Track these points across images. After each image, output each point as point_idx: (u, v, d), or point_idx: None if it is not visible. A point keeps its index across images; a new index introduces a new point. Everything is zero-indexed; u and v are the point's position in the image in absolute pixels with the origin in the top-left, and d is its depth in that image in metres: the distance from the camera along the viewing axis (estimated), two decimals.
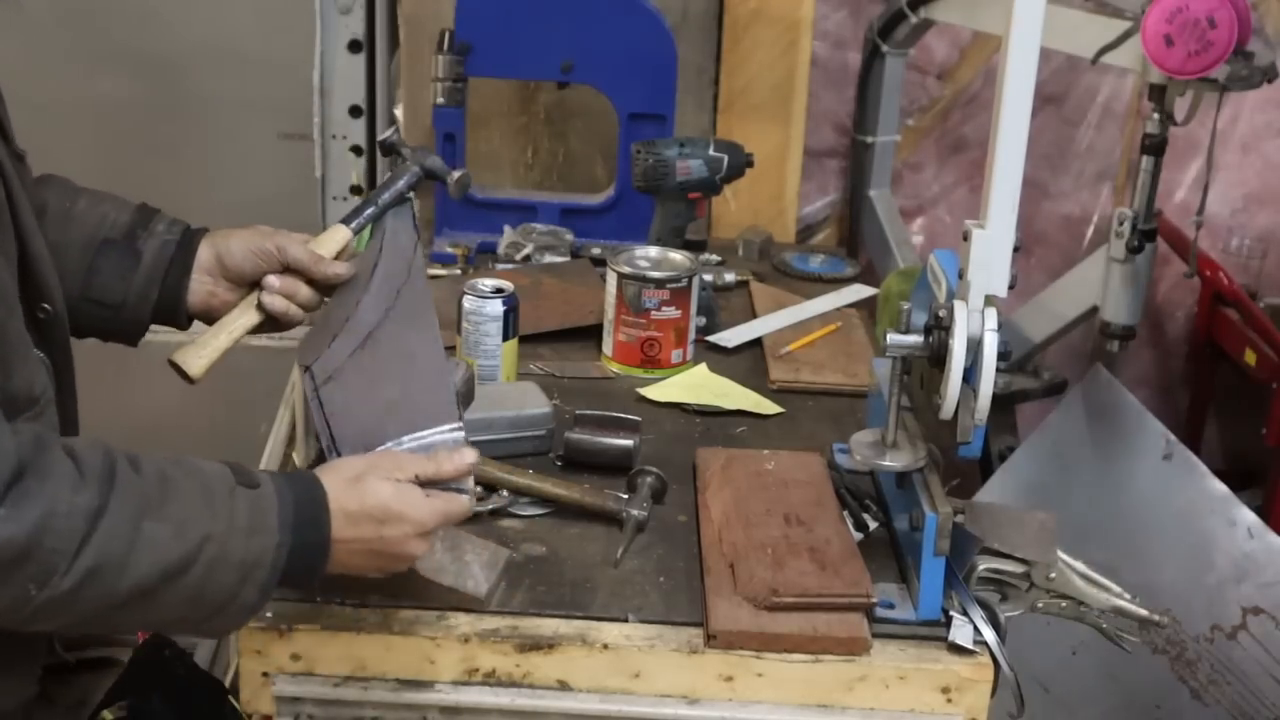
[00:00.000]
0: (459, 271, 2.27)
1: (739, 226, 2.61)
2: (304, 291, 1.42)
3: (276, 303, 1.40)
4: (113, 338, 1.43)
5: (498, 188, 2.59)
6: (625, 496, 1.51)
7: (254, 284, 1.42)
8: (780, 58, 2.62)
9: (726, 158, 2.07)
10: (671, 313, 1.89)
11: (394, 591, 1.33)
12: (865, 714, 1.31)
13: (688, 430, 1.76)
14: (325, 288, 1.43)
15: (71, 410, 1.33)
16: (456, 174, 1.54)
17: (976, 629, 1.33)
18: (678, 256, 1.95)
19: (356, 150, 2.71)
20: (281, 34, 2.65)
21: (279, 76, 2.66)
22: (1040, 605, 1.39)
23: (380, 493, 1.17)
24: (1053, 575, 1.37)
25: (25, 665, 1.29)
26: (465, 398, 1.36)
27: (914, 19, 2.41)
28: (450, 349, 1.81)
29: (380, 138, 1.54)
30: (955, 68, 2.76)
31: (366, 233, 1.49)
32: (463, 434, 1.29)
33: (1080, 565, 1.39)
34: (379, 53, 2.68)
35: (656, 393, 1.84)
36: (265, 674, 1.30)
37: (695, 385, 1.87)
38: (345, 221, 1.46)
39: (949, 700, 1.30)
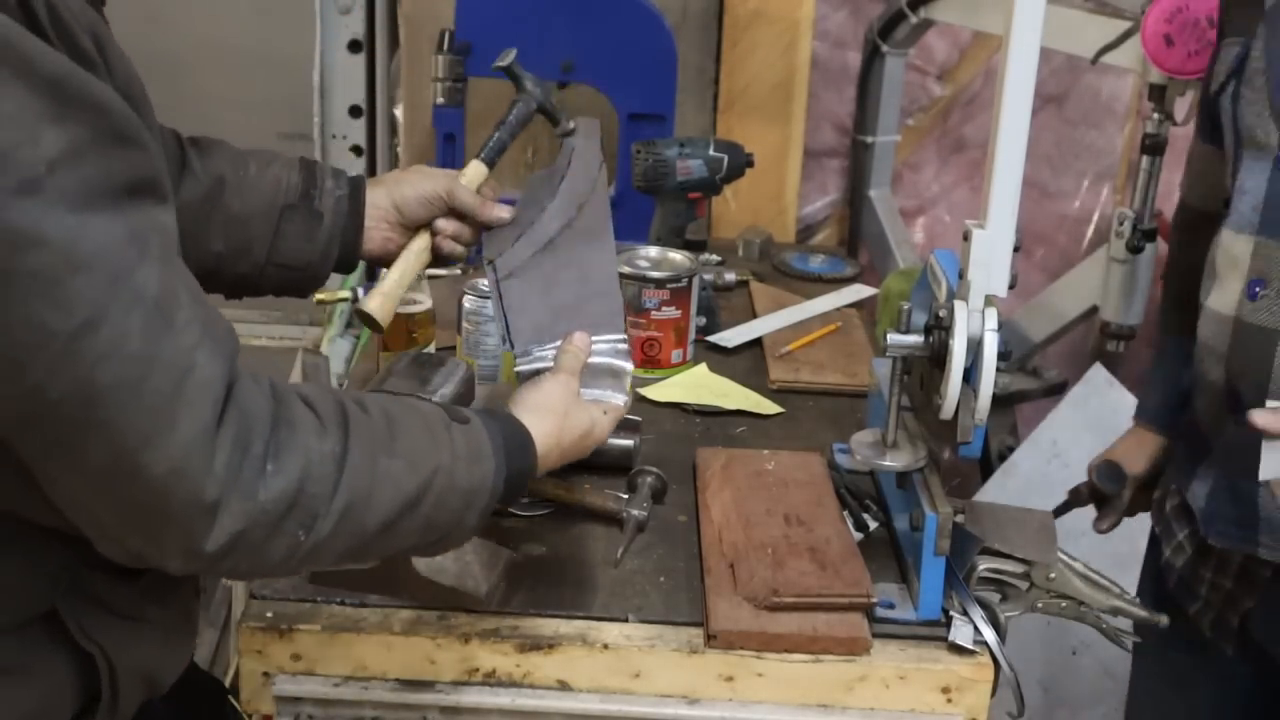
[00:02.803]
0: (459, 271, 2.27)
1: (739, 226, 2.61)
2: (468, 233, 1.50)
3: (445, 245, 1.49)
4: (290, 294, 1.49)
5: (498, 188, 2.59)
6: (625, 496, 1.51)
7: (423, 225, 1.49)
8: (780, 58, 2.62)
9: (726, 158, 2.07)
10: (671, 313, 1.89)
11: (394, 591, 1.33)
12: (865, 714, 1.31)
13: (688, 430, 1.76)
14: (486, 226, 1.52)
15: None
16: (570, 124, 1.58)
17: (976, 629, 1.33)
18: (678, 256, 1.95)
19: (356, 150, 2.71)
20: (281, 34, 2.65)
21: (279, 76, 2.66)
22: (1040, 605, 1.39)
23: (580, 423, 1.28)
24: (1053, 575, 1.37)
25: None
26: (465, 398, 1.36)
27: (914, 19, 2.41)
28: (450, 349, 1.81)
29: (503, 63, 1.57)
30: (955, 68, 2.76)
31: None
32: (627, 345, 1.40)
33: (1080, 565, 1.39)
34: (379, 53, 2.68)
35: (656, 393, 1.84)
36: (265, 674, 1.30)
37: (695, 385, 1.87)
38: (481, 158, 1.53)
39: (949, 700, 1.30)
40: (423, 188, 1.48)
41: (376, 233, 1.47)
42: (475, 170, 1.51)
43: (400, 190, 1.48)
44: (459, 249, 1.50)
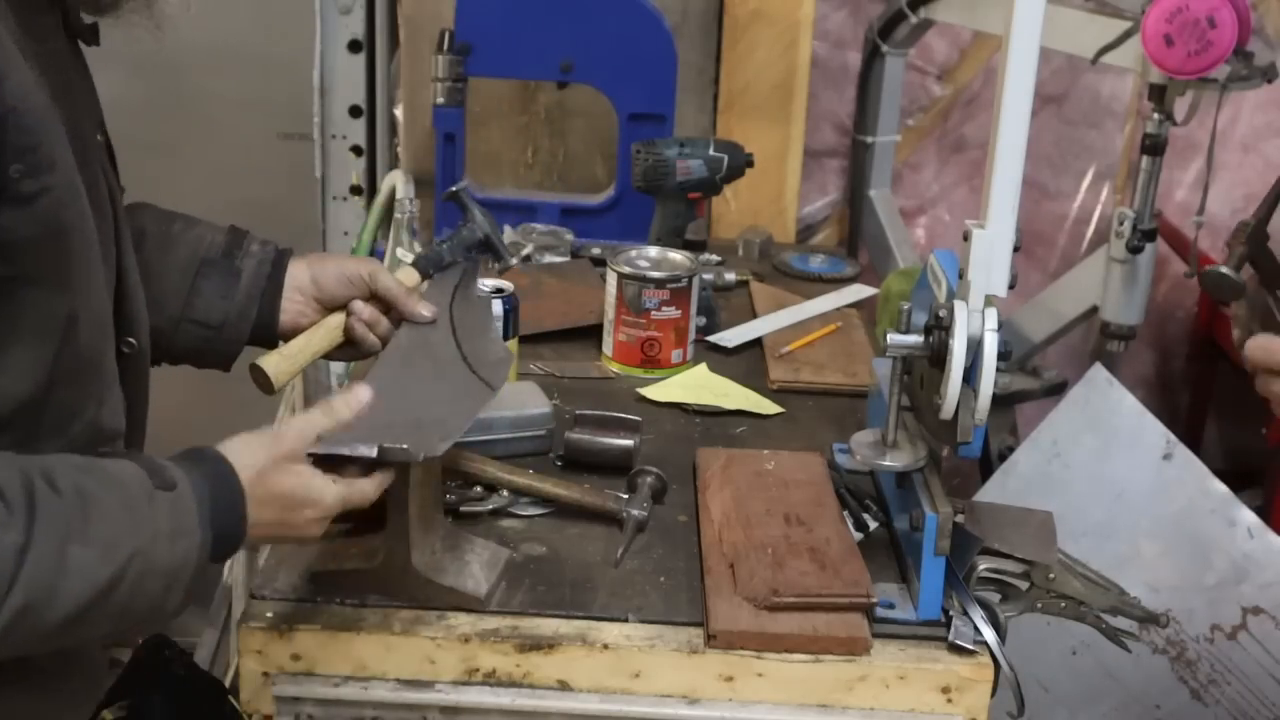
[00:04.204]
0: None
1: (739, 226, 2.61)
2: (384, 323, 1.46)
3: (358, 328, 1.45)
4: (208, 361, 1.44)
5: (498, 188, 2.59)
6: (625, 496, 1.51)
7: (340, 307, 1.46)
8: (780, 58, 2.62)
9: (726, 158, 2.07)
10: (671, 313, 1.89)
11: (394, 591, 1.33)
12: (865, 714, 1.31)
13: (688, 430, 1.76)
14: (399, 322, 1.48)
15: (139, 446, 1.31)
16: (513, 261, 1.61)
17: (976, 629, 1.33)
18: (678, 256, 1.95)
19: (356, 150, 2.71)
20: (281, 34, 2.65)
21: (279, 76, 2.66)
22: (1040, 605, 1.39)
23: (286, 482, 1.18)
24: (1053, 575, 1.37)
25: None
26: None
27: (914, 19, 2.41)
28: None
29: (455, 188, 1.58)
30: (955, 68, 2.76)
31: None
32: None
33: (1080, 565, 1.39)
34: (379, 53, 2.68)
35: (656, 393, 1.84)
36: (265, 674, 1.30)
37: (695, 385, 1.87)
38: (415, 264, 1.52)
39: (949, 700, 1.30)
40: (345, 266, 1.46)
41: (291, 304, 1.45)
42: (406, 275, 1.49)
43: (322, 265, 1.46)
44: (371, 337, 1.46)
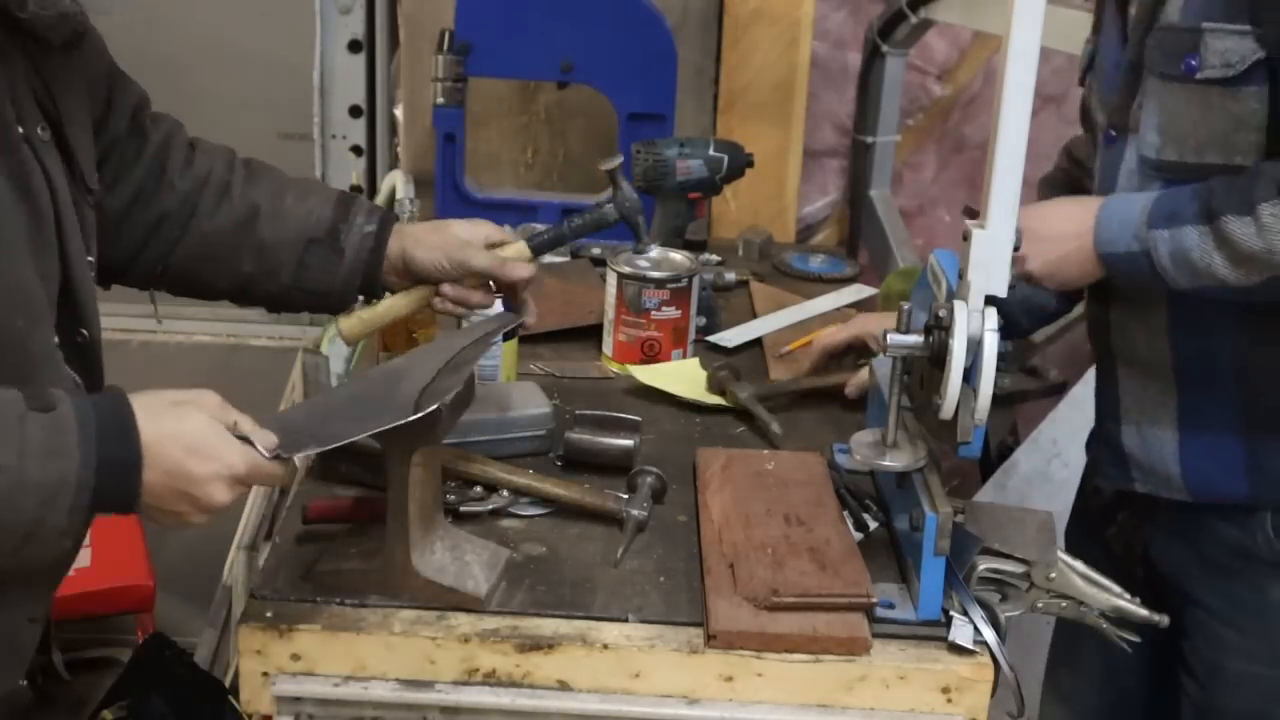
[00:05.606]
0: None
1: (739, 226, 2.61)
2: (475, 297, 1.52)
3: (443, 306, 1.52)
4: (320, 311, 1.57)
5: (498, 188, 2.59)
6: (625, 496, 1.51)
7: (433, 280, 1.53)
8: (780, 58, 2.62)
9: (726, 158, 2.07)
10: (671, 313, 1.89)
11: (394, 591, 1.33)
12: (865, 714, 1.31)
13: (688, 430, 1.76)
14: (507, 287, 1.53)
15: None
16: (653, 250, 1.67)
17: (976, 629, 1.33)
18: (678, 256, 1.95)
19: (356, 150, 2.71)
20: (281, 34, 2.65)
21: (279, 76, 2.66)
22: (1040, 605, 1.39)
23: (194, 421, 1.15)
24: (1053, 575, 1.37)
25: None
26: (465, 398, 1.36)
27: (914, 19, 2.41)
28: None
29: (607, 165, 1.62)
30: (955, 68, 2.76)
31: None
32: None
33: (1080, 565, 1.39)
34: (379, 53, 2.69)
35: (647, 375, 1.83)
36: (265, 674, 1.30)
37: (688, 378, 1.87)
38: (530, 242, 1.56)
39: (949, 700, 1.30)
40: (436, 251, 1.50)
41: (387, 278, 1.52)
42: (516, 249, 1.54)
43: (415, 251, 1.51)
44: (455, 309, 1.53)
